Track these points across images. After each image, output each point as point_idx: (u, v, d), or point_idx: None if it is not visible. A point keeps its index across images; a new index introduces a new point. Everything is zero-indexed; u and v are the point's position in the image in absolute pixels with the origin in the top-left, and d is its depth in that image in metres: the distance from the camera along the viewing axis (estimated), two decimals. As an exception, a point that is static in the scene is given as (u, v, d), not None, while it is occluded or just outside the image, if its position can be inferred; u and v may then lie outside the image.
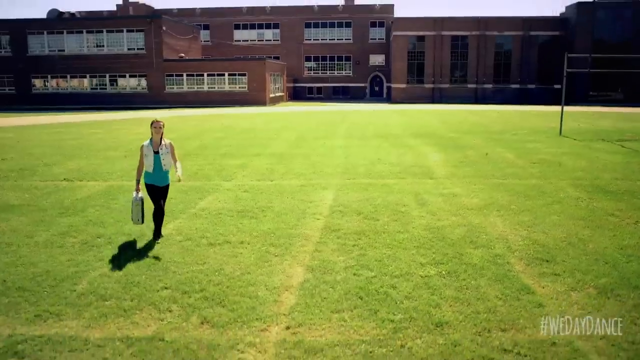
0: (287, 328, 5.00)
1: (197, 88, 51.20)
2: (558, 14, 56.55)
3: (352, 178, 12.34)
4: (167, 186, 7.69)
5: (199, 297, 5.65)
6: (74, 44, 51.29)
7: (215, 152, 16.94)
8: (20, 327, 5.03)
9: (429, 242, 7.46)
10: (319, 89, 66.31)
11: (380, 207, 9.46)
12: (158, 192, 7.53)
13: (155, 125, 7.36)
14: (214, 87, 51.29)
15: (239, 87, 51.18)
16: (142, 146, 7.37)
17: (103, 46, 51.16)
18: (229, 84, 51.27)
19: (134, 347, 4.65)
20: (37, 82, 52.38)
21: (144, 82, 51.10)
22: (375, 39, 65.31)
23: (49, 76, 51.98)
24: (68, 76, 51.72)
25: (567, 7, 54.84)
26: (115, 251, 7.21)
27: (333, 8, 65.43)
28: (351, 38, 65.45)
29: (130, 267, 6.60)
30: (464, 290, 5.80)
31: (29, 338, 4.82)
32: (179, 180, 7.51)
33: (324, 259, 6.85)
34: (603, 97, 51.75)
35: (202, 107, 47.23)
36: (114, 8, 66.88)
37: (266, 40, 66.50)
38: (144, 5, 65.25)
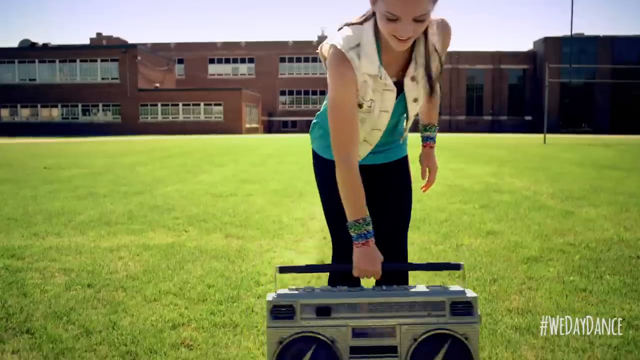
0: (324, 238, 4.45)
1: (172, 118, 50.53)
2: (526, 50, 58.61)
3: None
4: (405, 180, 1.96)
5: (218, 223, 5.05)
6: (45, 73, 50.31)
7: (203, 153, 16.36)
8: (15, 241, 4.34)
9: (451, 192, 7.04)
10: (294, 123, 66.34)
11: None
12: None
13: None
14: (189, 117, 50.71)
15: (215, 117, 50.72)
16: (345, 59, 1.55)
17: (76, 75, 50.37)
18: (204, 113, 50.81)
19: (152, 250, 4.03)
20: (5, 112, 50.94)
21: (117, 111, 50.24)
22: (350, 73, 66.16)
23: (18, 105, 50.61)
24: (39, 105, 50.44)
25: (534, 42, 56.91)
26: (114, 200, 6.56)
27: (307, 43, 66.32)
28: (326, 72, 66.11)
29: (134, 207, 5.98)
30: (504, 215, 5.37)
31: (27, 246, 4.15)
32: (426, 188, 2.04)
33: (344, 201, 6.33)
34: (572, 130, 53.11)
35: (178, 135, 46.48)
36: (87, 41, 66.46)
37: (241, 74, 66.67)
38: (117, 39, 64.98)
